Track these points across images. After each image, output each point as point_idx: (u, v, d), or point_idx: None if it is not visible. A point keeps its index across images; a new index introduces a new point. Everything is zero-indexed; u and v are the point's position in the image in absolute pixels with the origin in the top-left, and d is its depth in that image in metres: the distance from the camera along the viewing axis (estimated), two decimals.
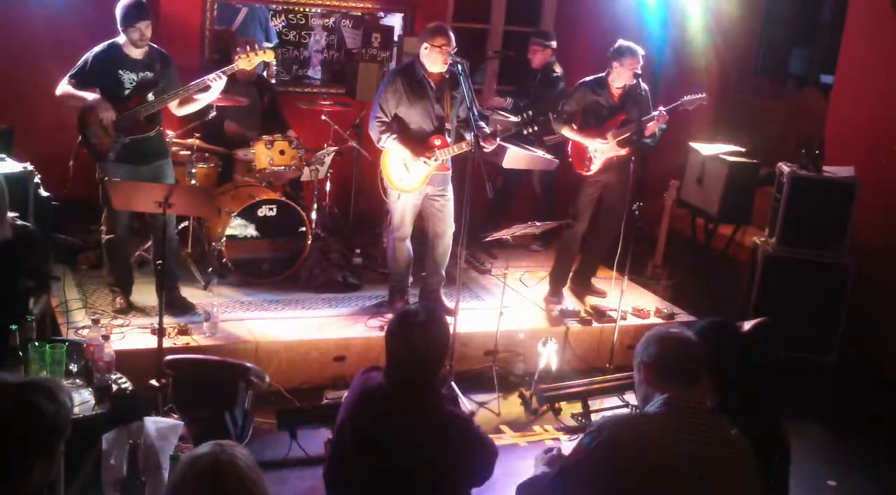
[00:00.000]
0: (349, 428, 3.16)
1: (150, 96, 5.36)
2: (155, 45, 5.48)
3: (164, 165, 5.57)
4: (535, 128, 5.80)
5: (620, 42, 6.17)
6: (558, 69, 7.48)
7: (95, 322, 4.28)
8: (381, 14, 8.13)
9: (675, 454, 2.69)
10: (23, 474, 2.24)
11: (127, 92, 5.36)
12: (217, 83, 5.40)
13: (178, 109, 5.57)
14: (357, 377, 3.31)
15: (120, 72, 5.34)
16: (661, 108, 6.11)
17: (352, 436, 3.14)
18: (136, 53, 5.38)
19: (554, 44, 7.56)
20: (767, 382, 3.25)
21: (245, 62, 5.53)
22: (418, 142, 5.73)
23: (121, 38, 5.36)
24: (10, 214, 4.34)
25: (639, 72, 6.08)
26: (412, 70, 5.76)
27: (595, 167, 6.30)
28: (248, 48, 5.56)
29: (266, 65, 7.37)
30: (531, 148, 6.81)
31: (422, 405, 3.10)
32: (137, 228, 6.06)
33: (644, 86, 6.10)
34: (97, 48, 5.40)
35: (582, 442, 2.81)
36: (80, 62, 5.40)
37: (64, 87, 5.38)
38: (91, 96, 5.29)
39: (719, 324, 3.30)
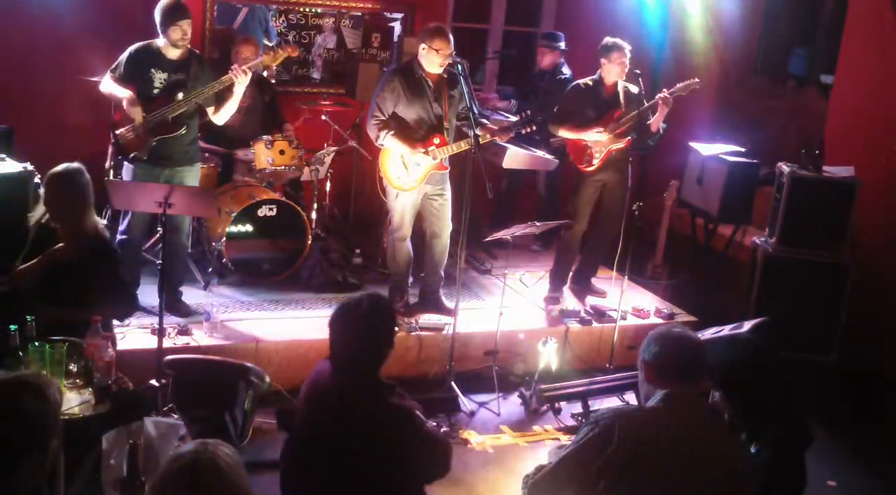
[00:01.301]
0: (300, 419, 3.20)
1: (179, 96, 5.34)
2: (196, 50, 5.47)
3: (185, 172, 5.53)
4: (534, 128, 5.81)
5: (606, 39, 6.23)
6: (567, 71, 7.42)
7: (95, 322, 4.27)
8: (388, 14, 8.11)
9: (665, 446, 2.74)
10: (13, 473, 2.23)
11: (156, 91, 5.35)
12: (242, 78, 5.36)
13: (215, 115, 5.54)
14: (312, 370, 3.33)
15: (152, 70, 5.34)
16: (663, 90, 6.09)
17: (301, 427, 3.18)
18: (172, 54, 5.36)
19: (562, 45, 7.51)
20: (769, 385, 3.26)
21: (269, 59, 5.55)
22: (416, 140, 5.73)
23: (160, 40, 5.35)
24: (99, 220, 4.50)
25: (638, 72, 6.08)
26: (410, 69, 5.76)
27: (597, 161, 6.29)
28: (272, 45, 5.55)
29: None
30: (532, 148, 6.82)
31: (363, 395, 3.12)
32: (146, 231, 6.05)
33: (641, 88, 6.09)
34: (134, 45, 5.41)
35: (580, 433, 2.87)
36: (119, 58, 5.41)
37: (106, 82, 5.40)
38: (122, 93, 5.29)
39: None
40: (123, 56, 5.40)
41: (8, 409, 2.25)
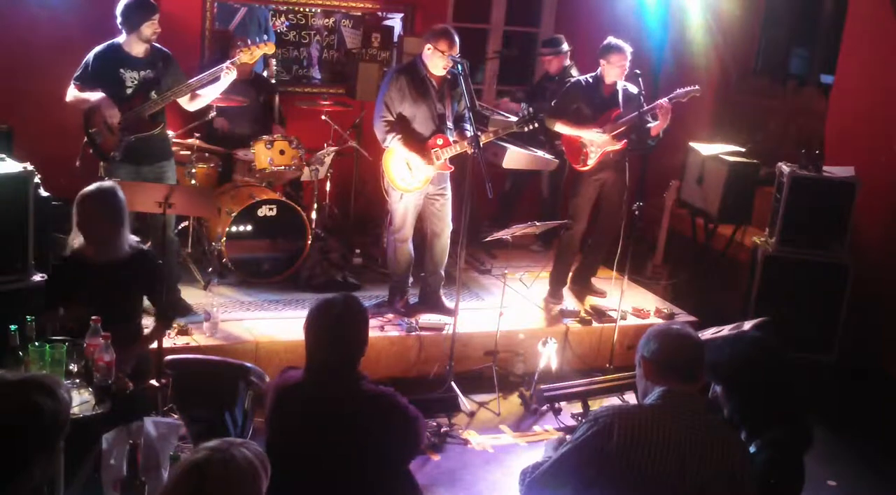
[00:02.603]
0: (273, 429, 3.19)
1: (153, 94, 5.36)
2: (157, 44, 5.48)
3: (166, 166, 5.58)
4: (535, 126, 5.81)
5: (608, 39, 6.23)
6: (576, 72, 7.32)
7: (95, 322, 4.27)
8: (383, 14, 8.11)
9: (664, 445, 2.74)
10: (23, 472, 2.23)
11: (129, 90, 5.36)
12: (227, 76, 5.40)
13: (189, 104, 5.58)
14: (275, 378, 3.32)
15: (121, 70, 5.35)
16: (661, 100, 6.08)
17: (278, 437, 3.17)
18: (138, 51, 5.37)
19: (565, 47, 7.46)
20: (770, 385, 3.25)
21: (247, 56, 5.55)
22: (423, 144, 5.72)
23: (121, 38, 5.36)
24: (132, 237, 4.46)
25: (638, 72, 6.07)
26: (415, 69, 5.76)
27: (591, 161, 6.29)
28: (248, 42, 5.56)
29: (266, 64, 7.38)
30: (532, 149, 6.81)
31: (342, 391, 3.12)
32: (138, 228, 6.06)
33: (641, 88, 6.07)
34: (97, 48, 5.41)
35: (579, 430, 2.86)
36: (82, 64, 5.41)
37: (71, 92, 5.40)
38: (95, 96, 5.30)
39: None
40: (89, 59, 5.38)
41: (23, 408, 2.25)
